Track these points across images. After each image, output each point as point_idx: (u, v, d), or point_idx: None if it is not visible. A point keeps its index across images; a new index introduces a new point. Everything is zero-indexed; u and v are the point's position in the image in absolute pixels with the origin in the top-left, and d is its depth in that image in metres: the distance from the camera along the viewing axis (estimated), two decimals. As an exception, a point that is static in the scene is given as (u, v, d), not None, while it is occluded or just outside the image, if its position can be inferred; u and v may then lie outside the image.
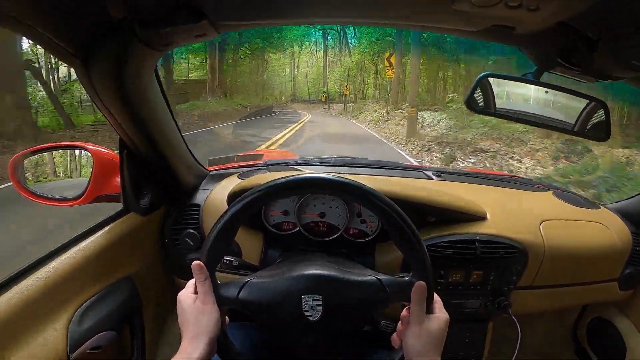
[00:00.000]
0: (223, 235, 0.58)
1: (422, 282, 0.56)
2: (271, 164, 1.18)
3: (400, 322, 0.60)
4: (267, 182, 0.58)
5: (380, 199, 0.57)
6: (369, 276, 0.59)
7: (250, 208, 0.58)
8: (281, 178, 0.58)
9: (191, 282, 0.59)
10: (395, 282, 0.59)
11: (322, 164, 1.17)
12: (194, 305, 0.56)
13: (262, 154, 1.58)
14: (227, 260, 0.77)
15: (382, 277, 0.59)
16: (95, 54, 0.58)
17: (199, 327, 0.54)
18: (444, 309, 0.60)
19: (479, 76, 0.70)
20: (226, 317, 0.63)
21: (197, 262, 0.56)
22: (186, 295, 0.58)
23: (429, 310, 0.58)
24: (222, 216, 0.58)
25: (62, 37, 0.53)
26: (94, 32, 0.56)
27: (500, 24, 0.52)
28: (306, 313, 0.56)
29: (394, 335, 0.61)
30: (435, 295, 0.60)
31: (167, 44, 0.61)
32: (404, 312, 0.59)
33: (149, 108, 0.73)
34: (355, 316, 0.60)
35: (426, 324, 0.56)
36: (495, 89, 0.75)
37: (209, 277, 0.57)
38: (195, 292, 0.58)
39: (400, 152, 8.45)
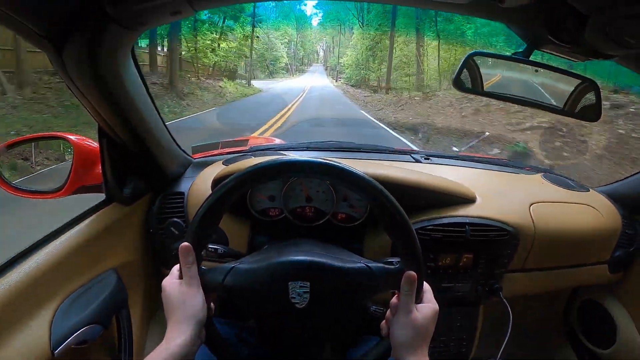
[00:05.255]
0: (208, 218, 0.56)
1: (412, 272, 0.55)
2: (257, 150, 1.16)
3: (389, 310, 0.59)
4: (252, 165, 0.57)
5: (368, 182, 0.56)
6: (359, 263, 0.58)
7: (234, 191, 0.56)
8: (266, 161, 0.57)
9: (175, 268, 0.57)
10: (385, 270, 0.57)
11: (309, 148, 1.16)
12: (179, 290, 0.54)
13: (247, 140, 1.55)
14: (212, 248, 0.75)
15: (372, 264, 0.58)
16: (67, 36, 0.55)
17: (184, 312, 0.53)
18: (433, 299, 0.58)
19: (466, 55, 0.68)
20: (212, 304, 0.61)
21: (184, 243, 0.55)
22: (170, 281, 0.56)
23: (419, 299, 0.57)
24: (206, 200, 0.56)
25: (30, 17, 0.50)
26: (64, 12, 0.52)
27: None
28: (293, 300, 0.55)
29: (383, 323, 0.60)
30: (426, 284, 0.58)
31: (141, 23, 0.59)
32: (394, 299, 0.58)
33: (126, 92, 0.70)
34: (343, 304, 0.59)
35: (414, 314, 0.54)
36: (484, 69, 0.73)
37: (195, 261, 0.55)
38: (180, 278, 0.56)
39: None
